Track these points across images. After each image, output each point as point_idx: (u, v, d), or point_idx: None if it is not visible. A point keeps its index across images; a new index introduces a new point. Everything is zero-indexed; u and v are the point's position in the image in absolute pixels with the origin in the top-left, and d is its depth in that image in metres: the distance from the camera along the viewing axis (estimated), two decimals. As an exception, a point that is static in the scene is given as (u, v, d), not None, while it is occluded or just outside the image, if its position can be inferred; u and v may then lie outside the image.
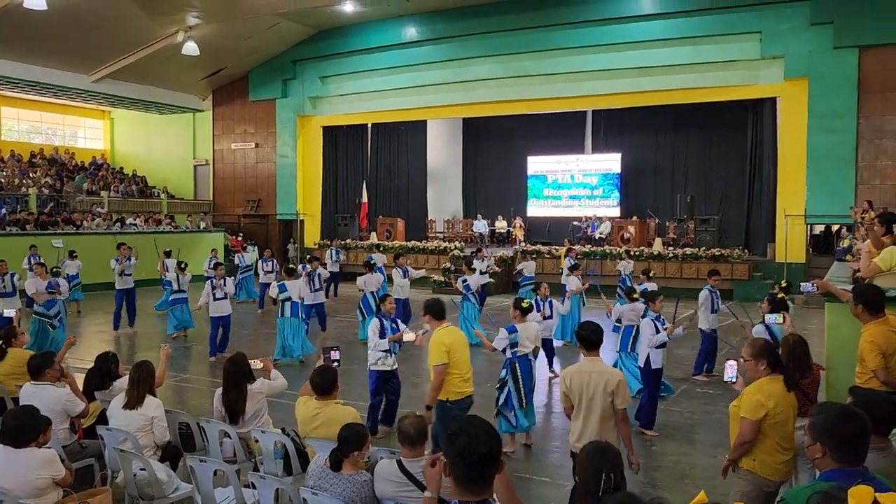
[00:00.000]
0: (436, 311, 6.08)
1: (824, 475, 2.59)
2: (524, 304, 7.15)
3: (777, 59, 18.10)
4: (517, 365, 6.96)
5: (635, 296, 9.35)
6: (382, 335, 7.45)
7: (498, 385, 7.07)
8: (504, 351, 7.05)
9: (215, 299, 11.30)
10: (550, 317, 10.47)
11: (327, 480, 3.95)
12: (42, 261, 13.14)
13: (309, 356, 10.75)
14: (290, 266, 12.07)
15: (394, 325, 7.64)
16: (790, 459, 4.20)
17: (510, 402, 6.92)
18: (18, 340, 6.64)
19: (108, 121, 30.45)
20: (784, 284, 9.68)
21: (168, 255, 15.34)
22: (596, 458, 2.67)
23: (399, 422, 3.88)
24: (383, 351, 7.45)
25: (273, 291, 11.08)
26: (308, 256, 16.41)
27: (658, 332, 7.50)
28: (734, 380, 4.44)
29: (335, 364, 5.27)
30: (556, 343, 12.54)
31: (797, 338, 4.87)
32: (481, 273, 13.92)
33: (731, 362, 4.45)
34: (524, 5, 20.39)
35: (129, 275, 13.77)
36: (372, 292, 12.49)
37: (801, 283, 5.67)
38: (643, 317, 7.82)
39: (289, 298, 10.96)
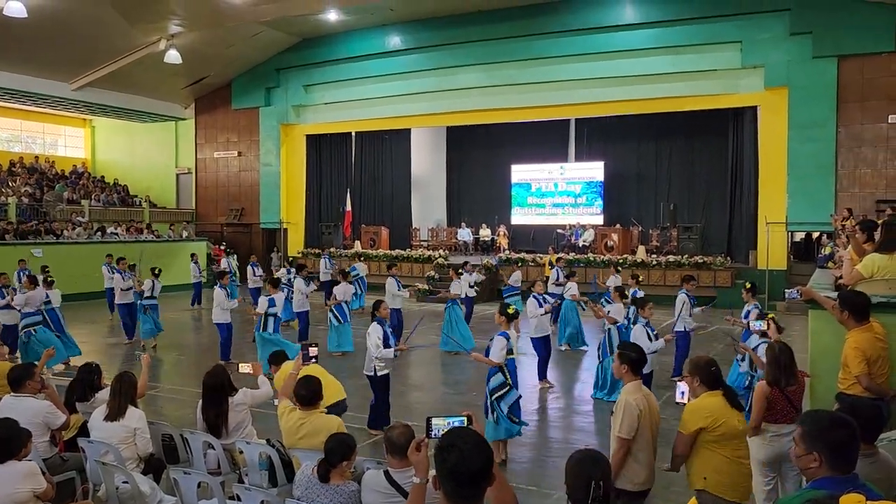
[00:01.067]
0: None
1: (814, 483, 2.58)
2: (510, 311, 7.13)
3: (757, 69, 18.31)
4: (506, 366, 6.93)
5: (625, 301, 9.49)
6: (386, 343, 7.54)
7: (500, 393, 6.78)
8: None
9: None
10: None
11: (315, 491, 3.92)
12: (31, 273, 12.84)
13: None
14: (276, 277, 12.00)
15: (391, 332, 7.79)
16: (748, 474, 4.23)
17: (517, 405, 6.86)
18: None
19: (89, 129, 30.16)
20: (749, 286, 9.90)
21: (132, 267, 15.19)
22: (586, 467, 2.66)
23: (387, 431, 3.85)
24: (389, 359, 7.64)
25: (262, 306, 11.01)
26: (295, 264, 16.25)
27: (650, 339, 7.51)
28: (684, 400, 4.36)
29: (313, 360, 5.31)
30: (560, 348, 12.62)
31: (782, 345, 4.90)
32: (470, 286, 14.18)
33: (682, 383, 4.46)
34: (508, 14, 20.50)
35: (132, 289, 13.61)
36: (346, 301, 12.69)
37: (786, 290, 5.71)
38: (634, 323, 7.82)
39: (275, 314, 10.96)
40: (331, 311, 12.44)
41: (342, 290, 12.68)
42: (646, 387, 4.62)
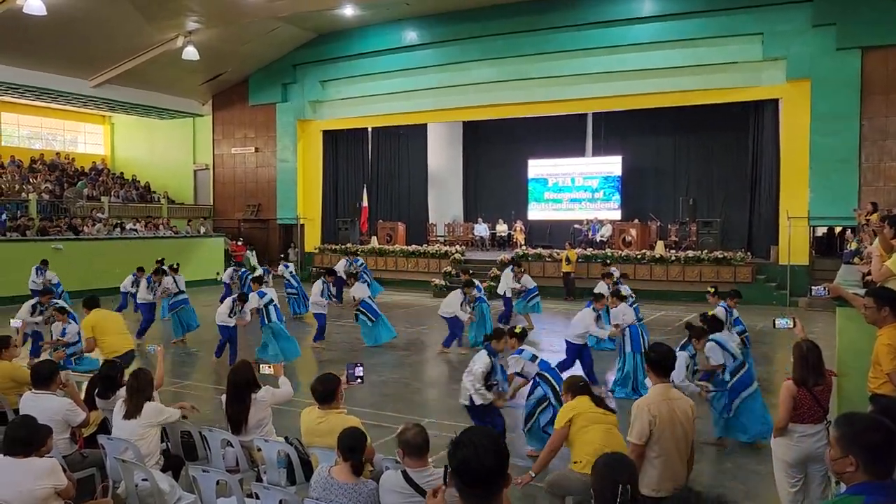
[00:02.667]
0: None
1: (851, 489, 2.50)
2: (518, 331, 6.99)
3: (779, 61, 18.05)
4: (548, 374, 6.80)
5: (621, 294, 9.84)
6: (489, 381, 6.55)
7: (543, 406, 6.60)
8: (521, 372, 6.99)
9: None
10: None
11: (332, 491, 3.88)
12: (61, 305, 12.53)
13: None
14: (258, 275, 12.43)
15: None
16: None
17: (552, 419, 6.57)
18: (9, 352, 6.47)
19: (108, 126, 30.41)
20: (712, 290, 9.79)
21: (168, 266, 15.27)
22: (613, 470, 2.59)
23: (402, 433, 3.81)
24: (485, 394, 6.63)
25: (254, 301, 11.08)
26: (324, 269, 16.08)
27: (685, 370, 6.81)
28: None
29: (358, 381, 5.14)
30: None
31: (809, 343, 4.78)
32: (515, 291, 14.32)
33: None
34: (525, 8, 20.36)
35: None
36: (369, 297, 12.69)
37: (812, 287, 5.58)
38: (681, 349, 7.01)
39: (272, 301, 11.10)
40: (359, 312, 12.45)
41: (360, 290, 12.66)
42: (673, 388, 4.52)
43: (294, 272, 16.89)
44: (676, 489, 4.24)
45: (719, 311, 9.18)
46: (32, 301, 10.80)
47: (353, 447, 3.90)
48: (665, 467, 4.24)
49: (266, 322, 10.96)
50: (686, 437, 4.29)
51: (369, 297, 12.68)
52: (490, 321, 12.60)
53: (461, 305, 12.00)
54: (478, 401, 6.57)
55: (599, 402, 4.91)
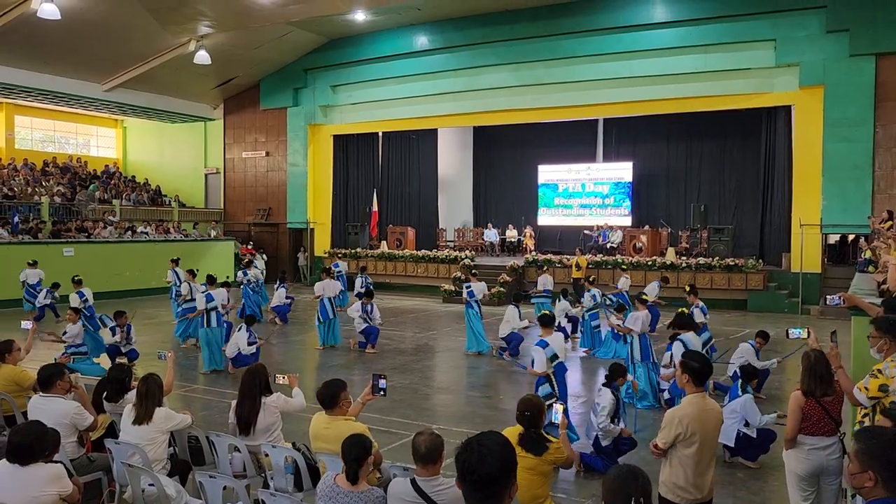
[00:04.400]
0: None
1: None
2: (547, 314, 7.05)
3: (792, 67, 17.94)
4: (555, 380, 6.77)
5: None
6: (616, 415, 6.36)
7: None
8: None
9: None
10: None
11: (337, 498, 3.83)
12: (73, 305, 12.46)
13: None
14: (212, 274, 12.46)
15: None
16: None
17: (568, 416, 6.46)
18: (12, 356, 6.44)
19: (120, 129, 30.59)
20: (689, 288, 9.68)
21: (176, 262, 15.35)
22: (626, 483, 2.53)
23: (414, 438, 3.75)
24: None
25: (201, 303, 11.18)
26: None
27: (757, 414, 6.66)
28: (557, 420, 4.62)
29: (381, 393, 5.09)
30: (580, 353, 12.42)
31: (818, 353, 4.69)
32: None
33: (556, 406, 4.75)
34: (536, 14, 20.33)
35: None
36: (329, 298, 12.94)
37: (826, 296, 5.50)
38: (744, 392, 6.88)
39: (215, 308, 11.16)
40: (317, 311, 12.89)
41: (329, 287, 12.97)
42: (708, 398, 4.30)
43: (256, 280, 16.77)
44: (698, 498, 4.10)
45: (696, 312, 9.30)
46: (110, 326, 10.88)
47: (351, 454, 3.84)
48: (688, 475, 4.05)
49: (203, 325, 11.12)
50: (713, 446, 4.19)
51: (330, 298, 12.86)
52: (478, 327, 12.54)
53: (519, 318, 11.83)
54: (604, 442, 6.44)
55: (526, 439, 4.36)
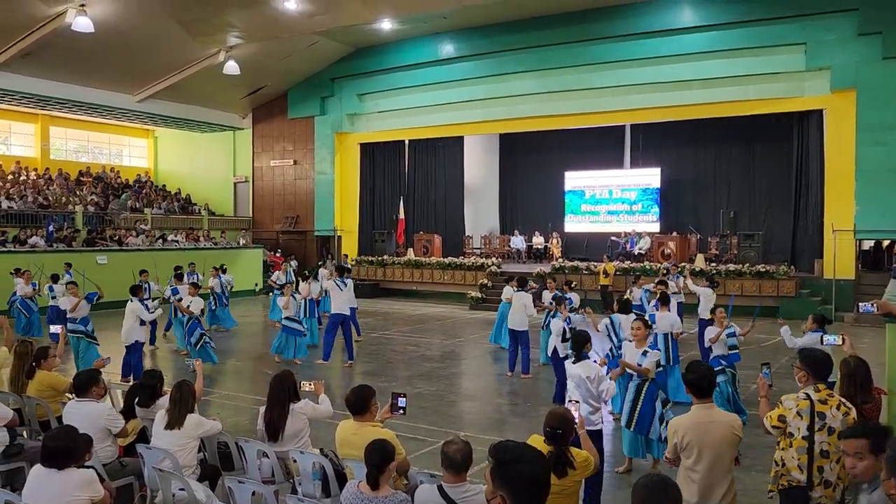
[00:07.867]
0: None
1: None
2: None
3: (823, 71, 17.67)
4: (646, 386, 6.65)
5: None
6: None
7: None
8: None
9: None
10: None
11: (362, 504, 3.85)
12: (74, 279, 12.89)
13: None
14: (195, 283, 13.45)
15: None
16: None
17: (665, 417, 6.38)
18: (48, 363, 6.57)
19: (151, 139, 31.14)
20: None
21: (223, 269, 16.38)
22: (656, 494, 2.50)
23: (444, 445, 3.75)
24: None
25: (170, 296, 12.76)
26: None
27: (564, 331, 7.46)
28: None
29: (400, 412, 5.04)
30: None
31: (858, 360, 4.63)
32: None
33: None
34: (562, 20, 20.29)
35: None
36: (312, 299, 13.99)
37: (859, 303, 5.41)
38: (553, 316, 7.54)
39: (181, 300, 12.39)
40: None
41: (314, 289, 14.09)
42: (716, 409, 4.24)
43: (227, 284, 16.61)
44: None
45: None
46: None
47: (372, 460, 3.85)
48: (693, 482, 4.02)
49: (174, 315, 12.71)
50: (721, 460, 4.11)
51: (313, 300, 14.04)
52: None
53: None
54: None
55: (557, 459, 3.86)
